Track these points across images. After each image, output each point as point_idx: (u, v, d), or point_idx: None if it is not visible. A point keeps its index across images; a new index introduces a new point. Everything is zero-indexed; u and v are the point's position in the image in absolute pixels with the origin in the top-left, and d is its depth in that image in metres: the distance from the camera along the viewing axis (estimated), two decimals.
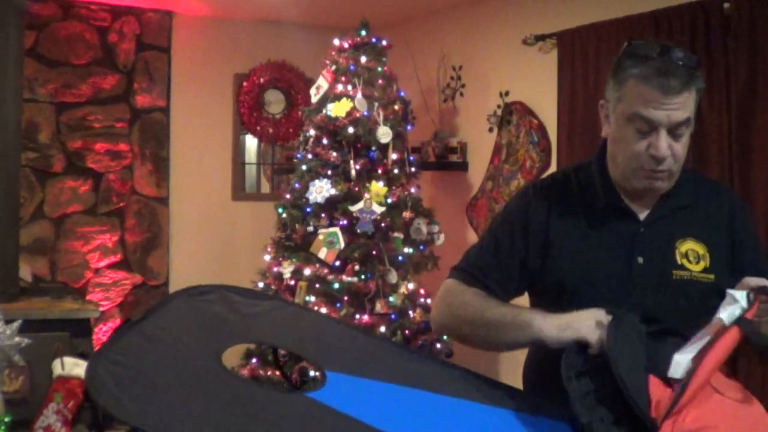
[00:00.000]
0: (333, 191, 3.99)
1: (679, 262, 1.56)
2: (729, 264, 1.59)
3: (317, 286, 3.98)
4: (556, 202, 1.65)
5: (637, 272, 1.56)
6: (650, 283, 1.55)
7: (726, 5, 3.32)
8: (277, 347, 1.56)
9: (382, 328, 3.92)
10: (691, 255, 1.58)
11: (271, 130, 5.61)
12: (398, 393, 1.36)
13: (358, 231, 3.97)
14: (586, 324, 1.40)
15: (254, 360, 4.06)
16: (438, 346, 4.12)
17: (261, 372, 4.01)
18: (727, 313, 1.34)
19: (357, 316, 3.93)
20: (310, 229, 4.05)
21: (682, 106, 1.48)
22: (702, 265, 1.57)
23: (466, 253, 1.73)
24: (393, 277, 4.00)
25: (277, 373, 3.40)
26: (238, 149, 5.61)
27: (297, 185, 4.17)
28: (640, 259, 1.57)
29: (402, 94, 4.34)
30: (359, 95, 4.07)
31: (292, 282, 4.06)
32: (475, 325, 1.55)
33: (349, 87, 4.13)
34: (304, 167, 4.16)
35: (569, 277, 1.59)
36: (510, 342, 1.50)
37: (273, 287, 4.15)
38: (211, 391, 1.30)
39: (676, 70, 1.47)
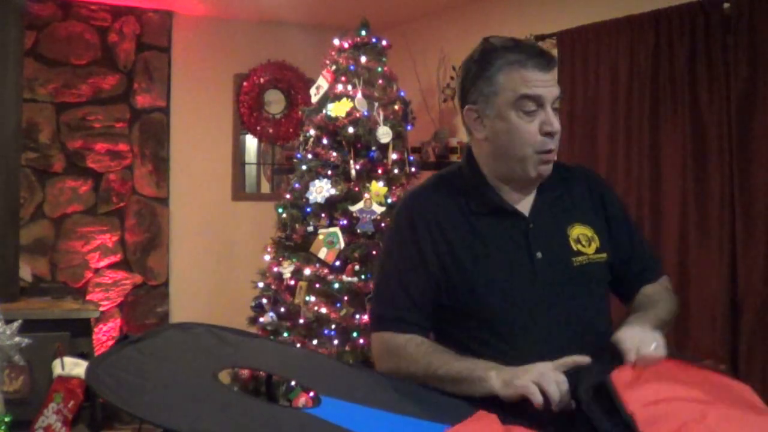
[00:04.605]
0: (333, 191, 3.99)
1: (575, 248, 1.62)
2: (609, 241, 1.67)
3: (317, 286, 3.98)
4: (440, 213, 1.63)
5: (540, 267, 1.59)
6: (554, 275, 1.59)
7: (726, 5, 3.33)
8: (270, 373, 1.59)
9: None
10: (583, 239, 1.64)
11: (271, 130, 5.61)
12: (390, 419, 1.38)
13: (358, 231, 3.97)
14: (525, 380, 1.39)
15: None
16: None
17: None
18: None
19: (357, 316, 3.93)
20: (310, 229, 4.05)
21: (556, 82, 1.59)
22: (594, 246, 1.64)
23: (378, 299, 1.70)
24: None
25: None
26: (238, 149, 5.61)
27: (297, 185, 4.16)
28: (539, 254, 1.59)
29: (402, 94, 4.34)
30: (359, 95, 4.07)
31: (292, 282, 4.06)
32: (429, 378, 1.54)
33: (349, 87, 4.13)
34: (304, 167, 4.16)
35: (475, 285, 1.58)
36: (466, 395, 1.49)
37: (273, 287, 4.15)
38: (210, 397, 1.32)
39: (540, 51, 1.60)
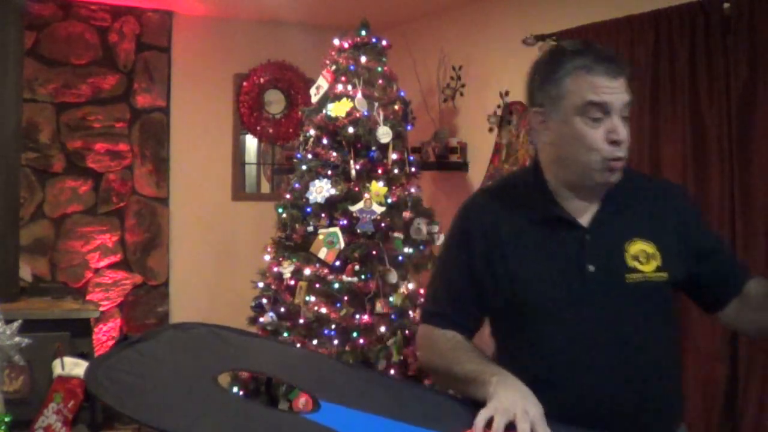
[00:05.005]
0: (333, 191, 3.99)
1: (631, 265, 1.55)
2: (683, 256, 1.60)
3: (317, 286, 3.98)
4: (497, 218, 1.62)
5: (590, 280, 1.54)
6: (604, 290, 1.53)
7: (726, 5, 3.32)
8: (270, 376, 1.60)
9: (382, 328, 3.92)
10: (642, 256, 1.56)
11: (271, 130, 5.61)
12: (390, 426, 1.37)
13: (358, 231, 3.97)
14: (504, 405, 1.35)
15: None
16: None
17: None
18: None
19: (357, 316, 3.93)
20: (310, 229, 4.05)
21: (625, 89, 1.55)
22: (654, 264, 1.56)
23: (426, 293, 1.75)
24: (393, 277, 3.99)
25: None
26: (238, 149, 5.61)
27: (297, 185, 4.16)
28: (591, 267, 1.54)
29: (402, 94, 4.34)
30: (359, 95, 4.07)
31: (292, 282, 4.05)
32: (448, 377, 1.57)
33: (349, 87, 4.12)
34: (304, 167, 4.16)
35: (523, 293, 1.56)
36: (473, 397, 1.49)
37: (273, 287, 4.15)
38: (209, 401, 1.32)
39: (610, 57, 1.55)
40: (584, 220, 1.59)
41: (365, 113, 4.05)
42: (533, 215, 1.60)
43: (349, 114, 4.03)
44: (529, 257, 1.57)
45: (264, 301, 4.17)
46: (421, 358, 1.69)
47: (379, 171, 4.09)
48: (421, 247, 4.20)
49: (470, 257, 1.62)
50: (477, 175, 4.83)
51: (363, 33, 4.26)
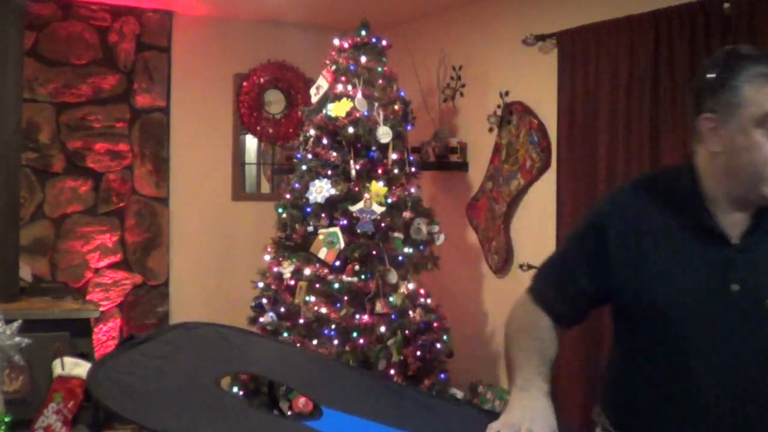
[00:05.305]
0: (333, 191, 3.99)
1: None
2: None
3: (317, 286, 3.98)
4: (642, 221, 1.56)
5: (732, 300, 1.47)
6: (745, 312, 1.47)
7: (726, 5, 3.32)
8: (272, 380, 1.59)
9: (382, 328, 3.92)
10: None
11: (271, 130, 5.61)
12: None
13: (358, 231, 3.97)
14: (513, 419, 1.36)
15: None
16: (438, 346, 4.12)
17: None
18: None
19: (357, 316, 3.93)
20: (310, 229, 4.05)
21: None
22: None
23: (541, 264, 1.70)
24: (393, 277, 3.99)
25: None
26: (238, 149, 5.61)
27: (297, 185, 4.16)
28: (735, 287, 1.47)
29: (402, 94, 4.34)
30: (359, 95, 4.07)
31: (292, 282, 4.06)
32: (506, 351, 1.59)
33: (349, 87, 4.13)
34: (304, 167, 4.16)
35: (656, 299, 1.51)
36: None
37: (273, 287, 4.15)
38: (210, 404, 1.32)
39: None
40: (734, 235, 1.51)
41: (365, 113, 4.05)
42: (682, 221, 1.53)
43: (349, 114, 4.04)
44: (670, 263, 1.51)
45: (264, 301, 4.17)
46: (508, 318, 1.67)
47: (379, 171, 4.09)
48: (421, 247, 4.20)
49: (598, 248, 1.56)
50: (477, 175, 4.84)
51: (363, 33, 4.26)
